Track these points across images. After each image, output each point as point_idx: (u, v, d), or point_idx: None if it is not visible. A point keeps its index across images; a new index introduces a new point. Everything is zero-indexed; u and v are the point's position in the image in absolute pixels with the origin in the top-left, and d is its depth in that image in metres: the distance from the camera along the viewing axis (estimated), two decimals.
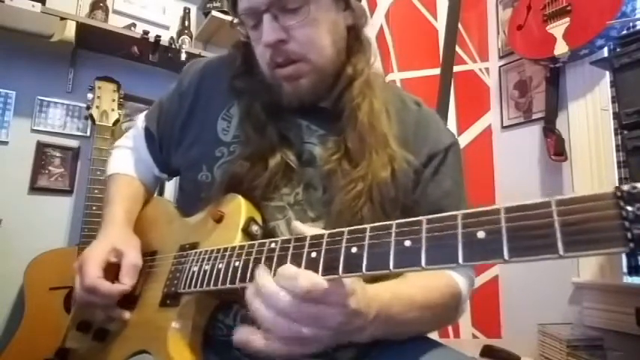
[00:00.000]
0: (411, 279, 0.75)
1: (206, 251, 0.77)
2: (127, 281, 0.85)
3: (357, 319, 0.60)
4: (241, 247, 0.70)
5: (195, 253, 0.80)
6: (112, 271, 0.87)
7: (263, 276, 0.59)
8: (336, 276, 0.55)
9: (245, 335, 0.60)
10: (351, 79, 0.89)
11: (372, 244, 0.53)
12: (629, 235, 0.36)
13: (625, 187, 0.37)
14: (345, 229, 0.57)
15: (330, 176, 0.84)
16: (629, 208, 0.36)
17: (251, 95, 0.91)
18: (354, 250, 0.54)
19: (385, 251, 0.51)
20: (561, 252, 0.38)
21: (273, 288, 0.56)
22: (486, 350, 2.19)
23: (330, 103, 0.91)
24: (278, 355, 0.59)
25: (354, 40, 0.92)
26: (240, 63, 0.95)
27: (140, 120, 1.11)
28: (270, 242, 0.66)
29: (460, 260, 0.44)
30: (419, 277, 0.77)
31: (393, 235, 0.52)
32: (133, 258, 0.88)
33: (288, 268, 0.57)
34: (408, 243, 0.50)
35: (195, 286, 0.75)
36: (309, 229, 0.64)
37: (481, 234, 0.44)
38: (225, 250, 0.73)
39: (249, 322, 0.61)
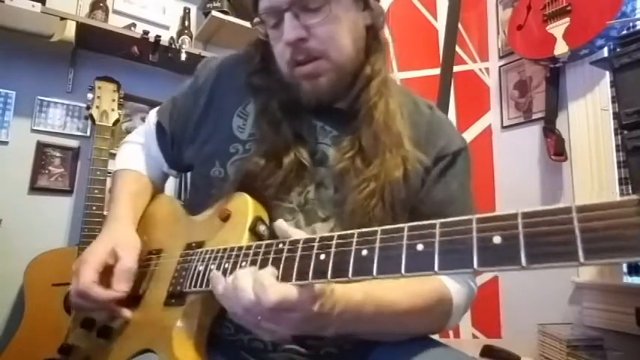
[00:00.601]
0: (395, 282, 0.75)
1: (212, 250, 0.77)
2: (119, 287, 0.85)
3: (317, 320, 0.62)
4: (249, 247, 0.70)
5: (202, 252, 0.79)
6: (108, 273, 0.86)
7: (241, 271, 0.64)
8: (346, 279, 0.55)
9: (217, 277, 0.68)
10: (369, 78, 0.89)
11: (384, 247, 0.53)
12: None
13: None
14: (355, 231, 0.57)
15: (343, 175, 0.84)
16: None
17: (268, 93, 0.91)
18: (364, 252, 0.54)
19: (397, 255, 0.51)
20: (582, 259, 0.37)
21: (245, 286, 0.61)
22: (486, 350, 2.18)
23: (346, 103, 0.91)
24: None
25: (372, 39, 0.92)
26: (258, 60, 0.95)
27: (152, 116, 1.11)
28: (278, 243, 0.66)
29: (475, 266, 0.43)
30: (404, 280, 0.77)
31: (405, 238, 0.51)
32: (126, 262, 0.87)
33: (264, 277, 0.61)
34: (420, 247, 0.49)
35: (201, 286, 0.74)
36: (294, 231, 0.67)
37: (497, 239, 0.43)
38: (233, 249, 0.73)
39: None
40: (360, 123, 0.87)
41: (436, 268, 0.47)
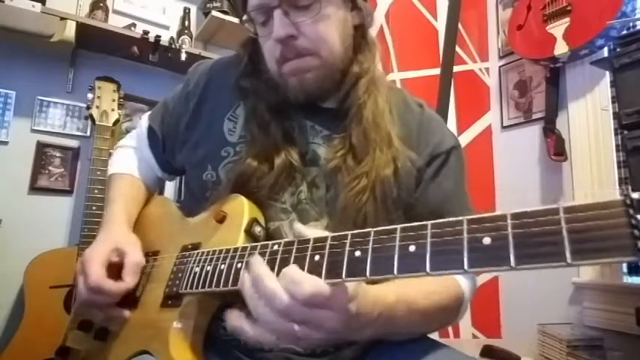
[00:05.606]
0: (416, 281, 0.75)
1: (208, 252, 0.77)
2: (129, 279, 0.86)
3: (355, 321, 0.60)
4: (244, 249, 0.70)
5: (198, 253, 0.80)
6: (113, 270, 0.87)
7: (262, 271, 0.60)
8: (339, 280, 0.55)
9: (237, 322, 0.62)
10: (358, 77, 0.89)
11: (376, 248, 0.53)
12: (639, 244, 0.35)
13: (634, 195, 0.36)
14: (349, 233, 0.57)
15: (335, 174, 0.84)
16: (639, 217, 0.36)
17: (256, 95, 0.91)
18: (357, 254, 0.54)
19: (389, 256, 0.51)
20: (569, 260, 0.38)
21: (275, 287, 0.57)
22: (486, 350, 2.19)
23: (335, 102, 0.91)
24: (267, 345, 0.62)
25: (360, 38, 0.93)
26: (246, 62, 0.95)
27: (144, 120, 1.11)
28: (273, 244, 0.66)
29: (466, 267, 0.44)
30: (424, 279, 0.77)
31: (398, 239, 0.51)
32: (135, 256, 0.88)
33: (293, 271, 0.57)
34: (412, 248, 0.49)
35: (196, 287, 0.74)
36: (311, 231, 0.64)
37: (487, 240, 0.43)
38: (228, 251, 0.73)
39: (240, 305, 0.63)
40: (350, 122, 0.87)
41: (427, 269, 0.47)
